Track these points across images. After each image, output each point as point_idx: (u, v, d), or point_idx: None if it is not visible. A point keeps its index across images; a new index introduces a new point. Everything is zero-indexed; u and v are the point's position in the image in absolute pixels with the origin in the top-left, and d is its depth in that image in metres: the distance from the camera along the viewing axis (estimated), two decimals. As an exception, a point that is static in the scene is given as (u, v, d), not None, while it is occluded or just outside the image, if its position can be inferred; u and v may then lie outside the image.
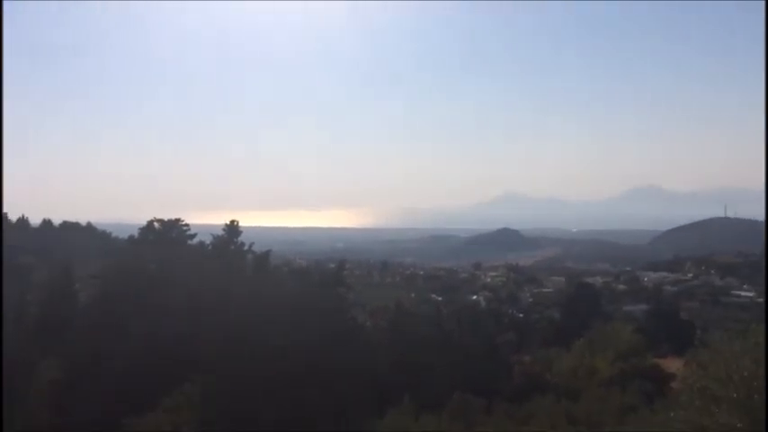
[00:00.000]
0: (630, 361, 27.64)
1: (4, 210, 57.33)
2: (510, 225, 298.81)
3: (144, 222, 33.00)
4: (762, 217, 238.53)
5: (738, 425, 3.42)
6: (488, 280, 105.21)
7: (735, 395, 3.49)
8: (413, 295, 74.57)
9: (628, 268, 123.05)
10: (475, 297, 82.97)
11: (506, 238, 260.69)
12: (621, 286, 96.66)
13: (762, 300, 72.47)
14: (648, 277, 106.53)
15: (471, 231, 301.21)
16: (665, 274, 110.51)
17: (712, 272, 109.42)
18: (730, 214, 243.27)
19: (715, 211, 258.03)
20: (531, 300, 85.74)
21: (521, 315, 66.02)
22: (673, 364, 25.48)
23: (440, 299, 74.03)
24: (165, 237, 29.84)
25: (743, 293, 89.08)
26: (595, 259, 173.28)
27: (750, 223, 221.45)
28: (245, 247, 29.17)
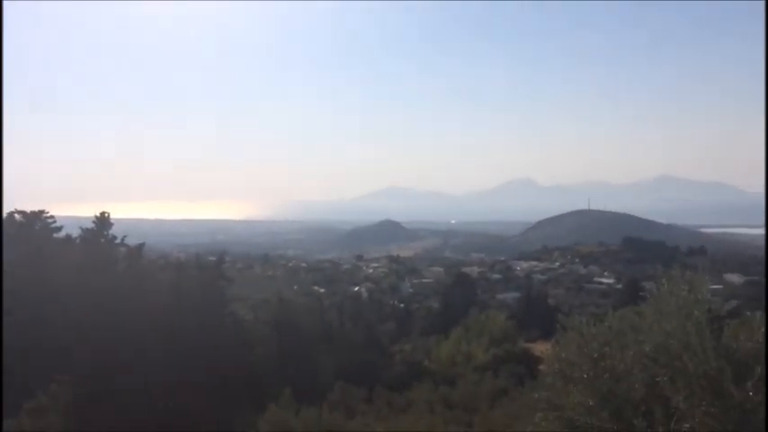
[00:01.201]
0: (503, 346, 29.02)
1: None
2: (392, 217, 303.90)
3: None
4: (620, 209, 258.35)
5: (590, 402, 3.71)
6: (370, 271, 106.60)
7: (585, 375, 3.77)
8: (295, 288, 74.21)
9: (502, 258, 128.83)
10: (357, 288, 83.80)
11: (388, 230, 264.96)
12: (496, 275, 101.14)
13: (620, 286, 78.47)
14: (520, 266, 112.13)
15: (355, 223, 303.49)
16: (535, 263, 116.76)
17: (577, 261, 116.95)
18: (593, 207, 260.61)
19: (580, 204, 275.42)
20: (411, 290, 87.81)
21: (401, 305, 67.46)
22: (541, 348, 27.02)
23: (322, 291, 74.16)
24: (27, 230, 27.74)
25: (603, 281, 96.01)
26: (472, 250, 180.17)
27: (610, 215, 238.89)
28: (117, 240, 27.65)
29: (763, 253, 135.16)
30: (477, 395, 19.62)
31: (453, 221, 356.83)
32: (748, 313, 4.13)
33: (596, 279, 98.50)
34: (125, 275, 24.46)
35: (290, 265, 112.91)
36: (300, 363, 24.51)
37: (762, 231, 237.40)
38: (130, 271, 24.90)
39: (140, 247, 27.52)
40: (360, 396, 19.41)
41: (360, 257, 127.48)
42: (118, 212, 31.48)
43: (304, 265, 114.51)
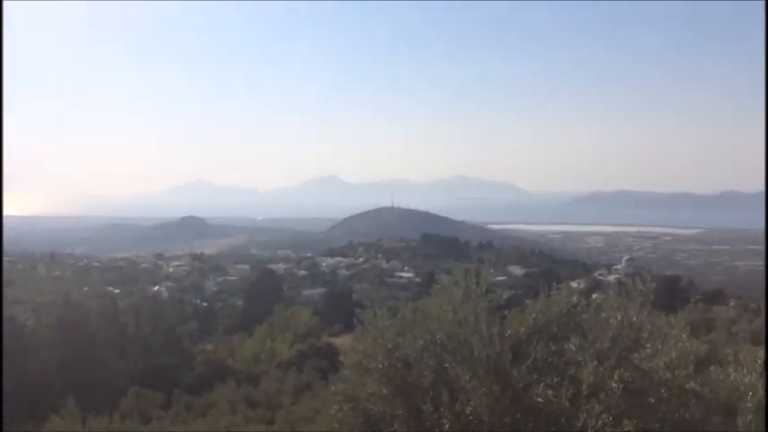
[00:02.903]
0: (308, 341, 29.29)
1: None
2: (196, 213, 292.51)
3: None
4: (420, 206, 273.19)
5: (384, 391, 3.82)
6: (171, 270, 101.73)
7: (380, 366, 3.88)
8: (86, 288, 68.61)
9: (308, 254, 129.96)
10: (156, 288, 79.60)
11: (192, 227, 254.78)
12: (302, 272, 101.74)
13: (418, 279, 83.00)
14: (326, 262, 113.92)
15: (154, 219, 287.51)
16: (340, 259, 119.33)
17: (380, 256, 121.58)
18: (395, 204, 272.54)
19: (385, 201, 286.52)
20: (215, 288, 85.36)
21: (205, 304, 65.30)
22: (345, 342, 27.67)
23: (117, 291, 69.39)
24: None
25: (404, 275, 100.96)
26: (279, 247, 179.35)
27: (412, 212, 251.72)
28: None
29: (536, 247, 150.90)
30: (281, 391, 19.59)
31: (260, 218, 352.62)
32: (527, 302, 4.49)
33: (397, 273, 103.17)
34: None
35: (81, 264, 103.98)
36: (90, 369, 22.67)
37: (538, 228, 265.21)
38: None
39: None
40: (157, 401, 18.45)
41: (160, 255, 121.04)
42: None
43: (97, 264, 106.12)
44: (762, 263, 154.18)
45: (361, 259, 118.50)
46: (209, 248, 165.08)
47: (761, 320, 27.48)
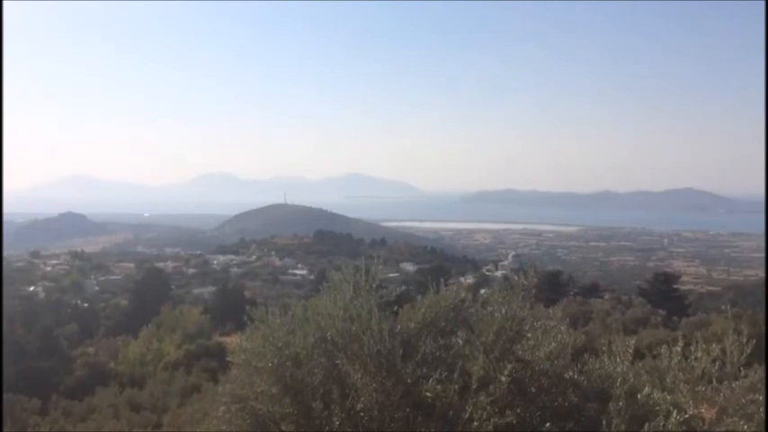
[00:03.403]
0: (197, 342, 28.41)
1: None
2: (76, 209, 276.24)
3: None
4: (314, 203, 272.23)
5: (273, 390, 3.75)
6: (49, 269, 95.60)
7: (270, 364, 3.81)
8: (-51, 290, 63.05)
9: (198, 252, 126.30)
10: (32, 288, 74.48)
11: (71, 223, 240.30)
12: (192, 270, 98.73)
13: (312, 277, 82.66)
14: (217, 260, 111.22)
15: (31, 216, 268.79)
16: (232, 256, 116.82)
17: (273, 253, 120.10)
18: (288, 201, 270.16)
19: (278, 199, 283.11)
20: (97, 288, 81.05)
21: (85, 305, 61.76)
22: (235, 341, 27.09)
23: (-14, 292, 64.28)
24: None
25: (297, 272, 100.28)
26: (167, 244, 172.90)
27: (303, 209, 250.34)
28: None
29: (430, 244, 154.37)
30: (168, 394, 18.89)
31: (147, 214, 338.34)
32: (419, 297, 4.56)
33: (291, 271, 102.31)
34: None
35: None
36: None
37: (432, 225, 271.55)
38: None
39: None
40: (32, 408, 17.29)
41: (36, 254, 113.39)
42: None
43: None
44: (632, 258, 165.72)
45: (254, 257, 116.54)
46: (91, 246, 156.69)
47: (632, 311, 29.51)
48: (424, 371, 3.97)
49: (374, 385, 3.86)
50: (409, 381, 3.85)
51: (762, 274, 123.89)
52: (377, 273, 4.40)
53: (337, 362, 4.12)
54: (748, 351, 4.00)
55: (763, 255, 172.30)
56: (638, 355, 4.68)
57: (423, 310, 4.35)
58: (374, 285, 4.32)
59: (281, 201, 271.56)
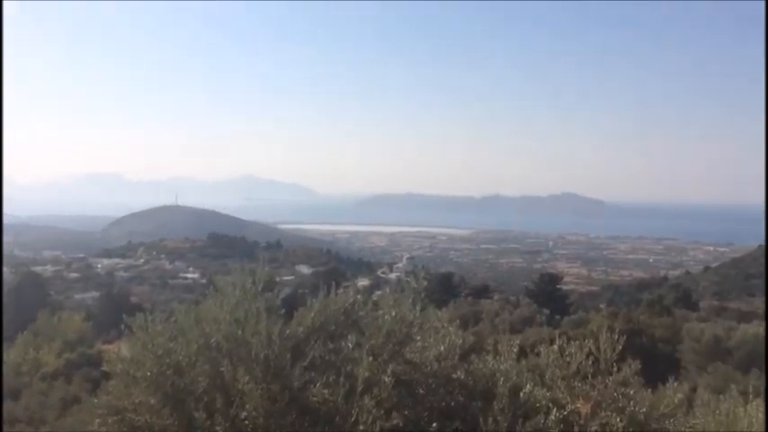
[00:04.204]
0: (78, 350, 26.88)
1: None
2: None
3: None
4: (207, 206, 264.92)
5: (152, 401, 3.57)
6: None
7: (149, 373, 3.63)
8: None
9: (81, 255, 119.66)
10: None
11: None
12: (74, 274, 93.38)
13: (204, 281, 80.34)
14: (102, 264, 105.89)
15: None
16: (118, 260, 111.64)
17: (163, 256, 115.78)
18: (181, 203, 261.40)
19: (169, 200, 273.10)
20: (-35, 294, 74.89)
21: (-49, 313, 56.95)
22: (113, 350, 25.86)
23: None
24: None
25: (189, 275, 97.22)
26: (46, 247, 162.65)
27: (196, 211, 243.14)
28: None
29: (324, 246, 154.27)
30: (45, 406, 17.72)
31: (23, 215, 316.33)
32: (313, 300, 4.51)
33: (182, 274, 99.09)
34: None
35: None
36: None
37: (330, 227, 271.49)
38: None
39: None
40: None
41: None
42: None
43: None
44: (521, 259, 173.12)
45: (142, 260, 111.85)
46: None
47: (519, 311, 30.76)
48: (313, 375, 3.92)
49: (260, 391, 3.76)
50: (296, 386, 3.79)
51: (636, 274, 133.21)
52: (262, 275, 4.30)
53: (221, 369, 3.99)
54: (620, 347, 4.23)
55: (636, 256, 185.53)
56: (524, 353, 4.86)
57: (312, 314, 4.30)
58: (260, 288, 4.23)
59: (172, 202, 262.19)
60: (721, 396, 4.60)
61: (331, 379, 3.76)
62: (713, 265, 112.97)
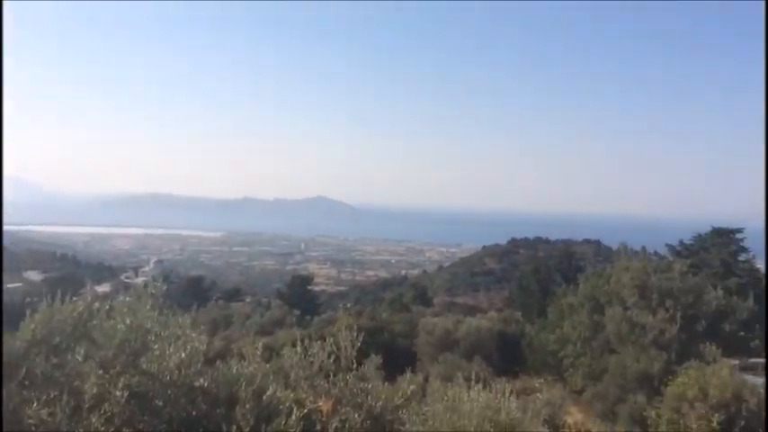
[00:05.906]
0: None
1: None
2: None
3: None
4: None
5: None
6: None
7: None
8: None
9: None
10: None
11: None
12: None
13: None
14: None
15: None
16: None
17: None
18: None
19: None
20: None
21: None
22: None
23: None
24: None
25: None
26: None
27: None
28: None
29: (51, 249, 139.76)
30: None
31: None
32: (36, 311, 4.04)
33: None
34: None
35: None
36: None
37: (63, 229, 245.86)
38: None
39: None
40: None
41: None
42: None
43: None
44: (273, 262, 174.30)
45: None
46: None
47: (270, 313, 30.92)
48: (31, 394, 3.49)
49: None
50: (10, 407, 3.34)
51: (380, 274, 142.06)
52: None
53: None
54: (359, 344, 4.44)
55: (381, 257, 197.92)
56: (274, 355, 4.87)
57: (33, 325, 3.83)
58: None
59: None
60: (449, 383, 5.08)
61: (52, 396, 3.37)
62: (445, 264, 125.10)
